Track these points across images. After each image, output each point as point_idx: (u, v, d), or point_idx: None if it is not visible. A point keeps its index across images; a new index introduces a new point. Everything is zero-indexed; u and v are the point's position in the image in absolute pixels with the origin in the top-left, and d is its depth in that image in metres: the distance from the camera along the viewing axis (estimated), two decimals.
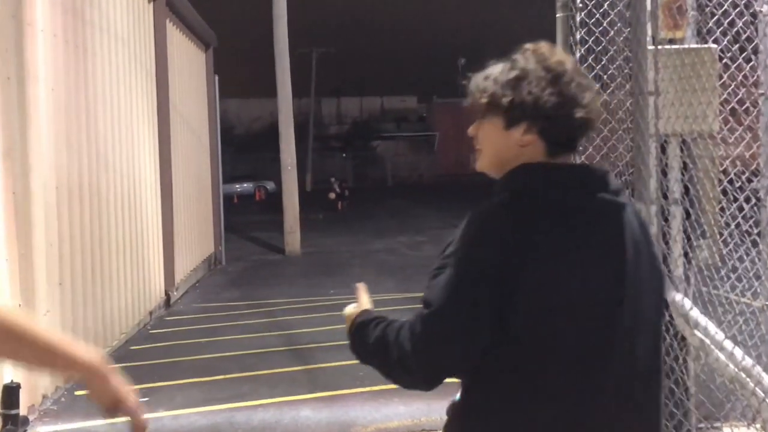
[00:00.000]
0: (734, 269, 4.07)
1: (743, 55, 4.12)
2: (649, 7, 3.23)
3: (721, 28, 3.89)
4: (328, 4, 48.92)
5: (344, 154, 58.28)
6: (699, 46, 3.29)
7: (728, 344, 3.04)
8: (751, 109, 4.23)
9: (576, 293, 1.62)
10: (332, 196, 28.56)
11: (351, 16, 51.94)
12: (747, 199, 4.23)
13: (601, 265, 1.65)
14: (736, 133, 4.19)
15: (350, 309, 2.05)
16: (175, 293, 10.99)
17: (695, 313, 3.20)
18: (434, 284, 1.68)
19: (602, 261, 1.66)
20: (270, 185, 42.74)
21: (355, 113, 70.76)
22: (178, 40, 12.38)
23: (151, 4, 10.55)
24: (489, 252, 1.62)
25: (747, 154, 4.26)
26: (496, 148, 1.81)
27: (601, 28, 3.97)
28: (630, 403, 1.66)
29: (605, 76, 3.99)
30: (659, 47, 3.19)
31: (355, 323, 1.96)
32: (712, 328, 3.15)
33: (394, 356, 1.73)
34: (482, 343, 1.62)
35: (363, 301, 2.06)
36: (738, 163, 4.25)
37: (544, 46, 1.77)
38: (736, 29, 3.95)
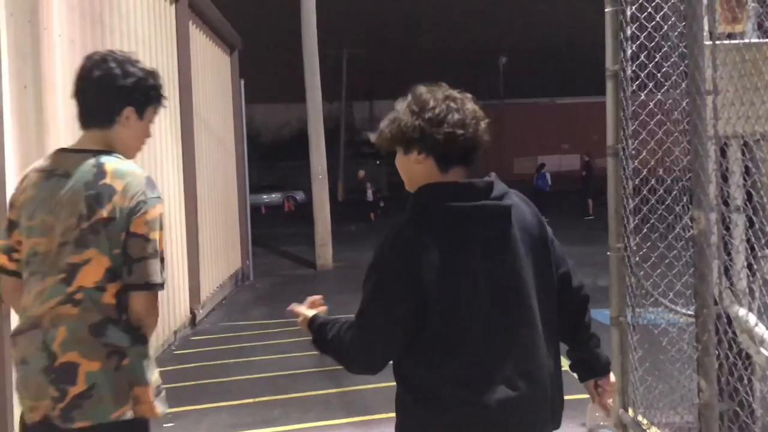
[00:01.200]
0: None
1: None
2: None
3: None
4: (359, 2, 49.17)
5: (378, 162, 58.39)
6: (761, 40, 3.26)
7: None
8: None
9: (464, 281, 2.42)
10: (368, 188, 28.53)
11: (383, 14, 52.10)
12: None
13: (486, 256, 2.45)
14: None
15: (303, 310, 2.83)
16: (200, 311, 11.10)
17: (761, 329, 3.16)
18: (363, 292, 2.49)
19: (487, 252, 2.46)
20: (299, 195, 43.02)
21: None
22: (201, 43, 12.54)
23: (173, 5, 10.70)
24: (397, 259, 2.43)
25: None
26: (404, 170, 2.60)
27: (653, 23, 3.95)
28: (511, 359, 2.49)
29: (659, 74, 3.97)
30: (717, 42, 3.17)
31: (316, 323, 2.74)
32: None
33: (343, 351, 2.56)
34: (397, 338, 2.44)
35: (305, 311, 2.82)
36: None
37: (418, 88, 2.60)
38: None
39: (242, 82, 15.62)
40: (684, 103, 3.62)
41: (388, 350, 2.49)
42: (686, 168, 3.69)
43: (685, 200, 3.82)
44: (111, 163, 2.75)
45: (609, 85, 4.47)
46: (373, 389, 7.12)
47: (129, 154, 2.88)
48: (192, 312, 10.75)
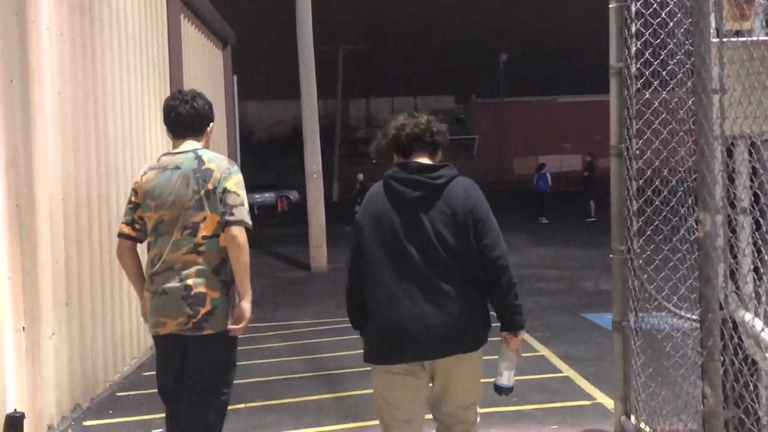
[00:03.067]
0: None
1: None
2: None
3: None
4: None
5: (374, 161, 58.37)
6: None
7: None
8: None
9: (381, 224, 3.83)
10: (360, 176, 28.43)
11: (381, 9, 52.13)
12: None
13: (397, 214, 3.81)
14: None
15: None
16: None
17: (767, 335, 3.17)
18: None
19: (405, 209, 3.81)
20: (293, 195, 43.03)
21: (385, 115, 70.94)
22: (193, 38, 12.54)
23: None
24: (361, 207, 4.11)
25: None
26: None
27: (659, 20, 3.96)
28: (412, 284, 3.75)
29: (664, 72, 3.98)
30: (724, 40, 3.18)
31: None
32: None
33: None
34: (354, 262, 4.03)
35: None
36: None
37: (399, 116, 4.15)
38: None
39: (235, 77, 15.62)
40: (690, 102, 3.63)
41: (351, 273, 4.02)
42: (691, 169, 3.70)
43: (690, 202, 3.83)
44: (205, 154, 4.44)
45: (613, 83, 4.49)
46: (367, 395, 7.12)
47: (209, 148, 4.59)
48: None
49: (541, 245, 19.84)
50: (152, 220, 4.38)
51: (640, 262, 4.52)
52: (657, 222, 4.26)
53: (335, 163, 49.46)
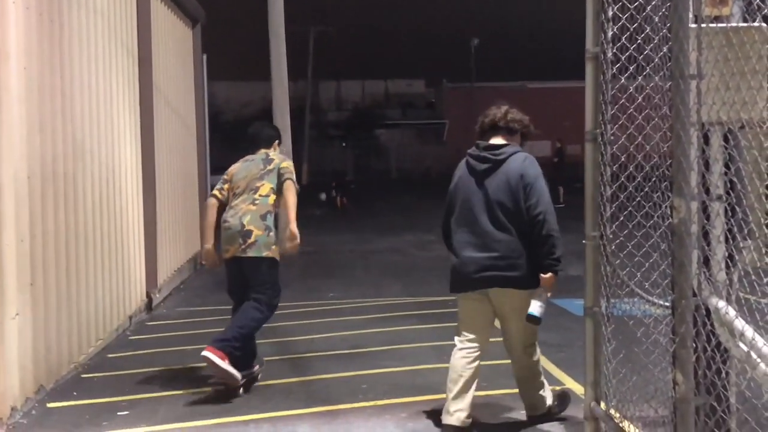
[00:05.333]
0: None
1: None
2: None
3: None
4: None
5: (344, 144, 58.24)
6: (747, 24, 3.27)
7: None
8: None
9: (461, 188, 5.49)
10: (323, 197, 28.49)
11: None
12: None
13: (471, 181, 5.40)
14: None
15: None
16: (157, 296, 11.00)
17: (740, 323, 3.18)
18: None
19: (475, 177, 5.40)
20: None
21: (356, 98, 70.71)
22: (162, 15, 12.37)
23: None
24: None
25: None
26: None
27: (636, 4, 3.95)
28: (475, 236, 5.34)
29: (640, 57, 3.97)
30: (703, 25, 3.16)
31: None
32: (758, 339, 3.13)
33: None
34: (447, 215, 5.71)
35: None
36: None
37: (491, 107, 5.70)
38: None
39: (205, 57, 15.45)
40: (666, 88, 3.62)
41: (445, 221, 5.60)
42: (666, 155, 3.70)
43: (663, 188, 3.83)
44: (270, 153, 7.13)
45: (589, 68, 4.47)
46: (336, 378, 7.10)
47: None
48: (148, 296, 10.65)
49: None
50: (234, 189, 6.94)
51: (613, 248, 4.52)
52: (630, 208, 4.26)
53: (305, 146, 49.25)
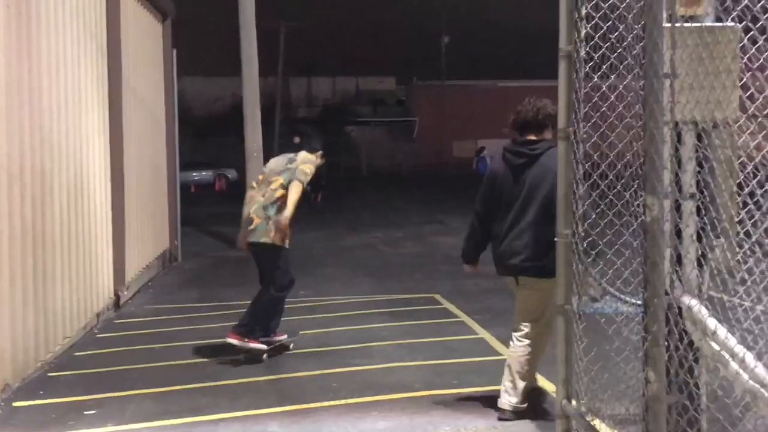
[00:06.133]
0: (751, 272, 4.07)
1: (765, 36, 4.12)
2: None
3: (741, 5, 3.88)
4: None
5: (296, 141, 58.03)
6: (720, 24, 3.28)
7: (749, 356, 3.03)
8: None
9: (501, 182, 5.77)
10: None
11: None
12: (766, 195, 4.23)
13: (509, 175, 5.74)
14: (756, 122, 4.19)
15: None
16: (125, 293, 10.89)
17: (712, 322, 3.19)
18: None
19: (512, 171, 5.73)
20: (232, 173, 42.49)
21: (327, 95, 70.50)
22: (132, 9, 12.24)
23: None
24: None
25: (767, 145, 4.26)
26: None
27: (609, 3, 3.95)
28: (512, 225, 5.72)
29: (613, 56, 3.97)
30: (677, 25, 3.17)
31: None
32: (730, 338, 3.14)
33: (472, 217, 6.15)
34: (484, 206, 6.07)
35: None
36: (757, 154, 4.24)
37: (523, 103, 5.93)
38: (758, 6, 3.94)
39: (174, 52, 15.31)
40: (639, 86, 3.62)
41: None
42: (638, 153, 3.70)
43: (635, 186, 3.84)
44: (301, 154, 7.87)
45: (562, 66, 4.47)
46: (306, 377, 7.07)
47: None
48: (116, 294, 10.54)
49: None
50: (261, 181, 7.88)
51: (585, 245, 4.53)
52: (602, 206, 4.27)
53: (275, 142, 49.03)
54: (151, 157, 13.75)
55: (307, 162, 7.70)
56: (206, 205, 27.58)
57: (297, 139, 8.25)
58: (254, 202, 7.64)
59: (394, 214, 23.34)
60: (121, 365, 7.64)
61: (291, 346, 7.99)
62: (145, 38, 13.45)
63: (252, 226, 7.55)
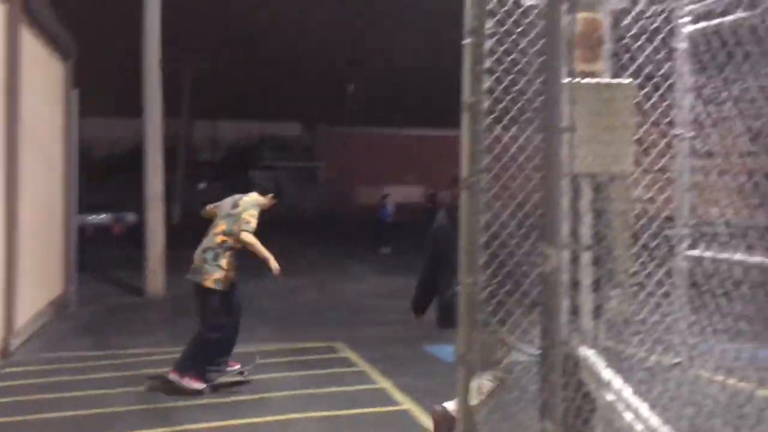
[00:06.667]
0: (644, 322, 4.17)
1: (658, 93, 4.28)
2: (564, 37, 3.30)
3: (637, 63, 4.02)
4: (206, 15, 48.62)
5: (219, 184, 57.47)
6: (616, 80, 3.38)
7: (642, 407, 3.08)
8: (665, 150, 4.39)
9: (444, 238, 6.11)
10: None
11: (231, 30, 51.74)
12: (659, 247, 4.36)
13: (451, 228, 5.31)
14: (650, 176, 4.32)
15: None
16: (14, 341, 10.46)
17: (607, 373, 3.23)
18: None
19: (452, 227, 5.04)
20: (131, 217, 41.58)
21: (231, 139, 70.08)
22: (33, 48, 11.95)
23: (5, 5, 10.16)
24: None
25: (660, 199, 4.40)
26: None
27: (511, 57, 4.04)
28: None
29: (515, 109, 4.06)
30: (575, 80, 3.26)
31: None
32: (625, 388, 3.19)
33: None
34: None
35: None
36: (651, 207, 4.37)
37: None
38: (652, 65, 4.09)
39: (76, 92, 15.00)
40: (539, 139, 3.70)
41: None
42: (538, 204, 3.77)
43: (534, 237, 3.90)
44: (244, 198, 8.28)
45: (465, 118, 4.53)
46: (203, 429, 6.89)
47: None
48: (5, 342, 10.12)
49: (383, 274, 20.02)
50: (215, 213, 8.35)
51: (485, 294, 4.57)
52: (502, 256, 4.32)
53: (177, 185, 48.37)
54: (47, 199, 13.36)
55: (250, 208, 8.06)
56: (104, 250, 26.89)
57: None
58: (202, 245, 8.17)
59: (298, 261, 23.17)
60: (9, 416, 7.31)
61: (246, 374, 8.41)
62: (47, 77, 13.14)
63: (194, 265, 8.08)
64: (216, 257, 7.99)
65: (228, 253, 8.05)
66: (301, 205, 57.16)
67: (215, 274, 7.97)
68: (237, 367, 8.34)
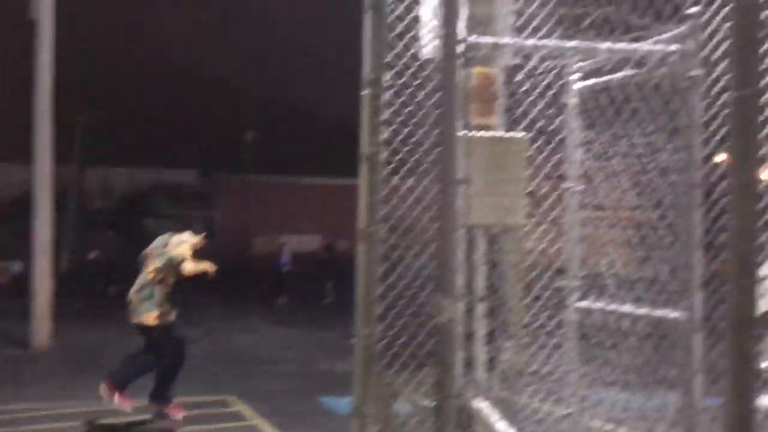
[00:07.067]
0: (536, 373, 4.22)
1: (550, 146, 4.39)
2: (460, 91, 3.36)
3: (530, 117, 4.13)
4: (100, 60, 47.88)
5: (111, 233, 56.12)
6: (509, 134, 3.46)
7: None
8: (556, 202, 4.49)
9: None
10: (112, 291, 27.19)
11: (124, 80, 51.08)
12: (550, 299, 4.44)
13: None
14: (542, 228, 4.41)
15: None
16: None
17: (502, 425, 3.26)
18: None
19: None
20: (17, 266, 40.09)
21: (125, 186, 68.66)
22: None
23: None
24: None
25: (551, 250, 4.49)
26: None
27: (408, 109, 4.09)
28: None
29: (412, 160, 4.10)
30: (470, 133, 3.31)
31: None
32: None
33: None
34: None
35: None
36: (543, 259, 4.46)
37: None
38: (544, 120, 4.20)
39: None
40: (435, 190, 3.74)
41: None
42: (434, 255, 3.79)
43: (429, 288, 3.92)
44: (174, 238, 8.78)
45: (363, 168, 4.55)
46: None
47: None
48: None
49: (279, 325, 19.80)
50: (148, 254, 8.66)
51: (380, 347, 4.55)
52: (399, 307, 4.32)
53: (67, 233, 46.99)
54: None
55: (180, 245, 8.62)
56: None
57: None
58: (135, 284, 8.56)
59: (192, 311, 22.68)
60: None
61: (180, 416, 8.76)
62: None
63: (131, 306, 8.48)
64: (151, 294, 8.44)
65: (161, 288, 8.50)
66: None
67: (153, 311, 8.42)
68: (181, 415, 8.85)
